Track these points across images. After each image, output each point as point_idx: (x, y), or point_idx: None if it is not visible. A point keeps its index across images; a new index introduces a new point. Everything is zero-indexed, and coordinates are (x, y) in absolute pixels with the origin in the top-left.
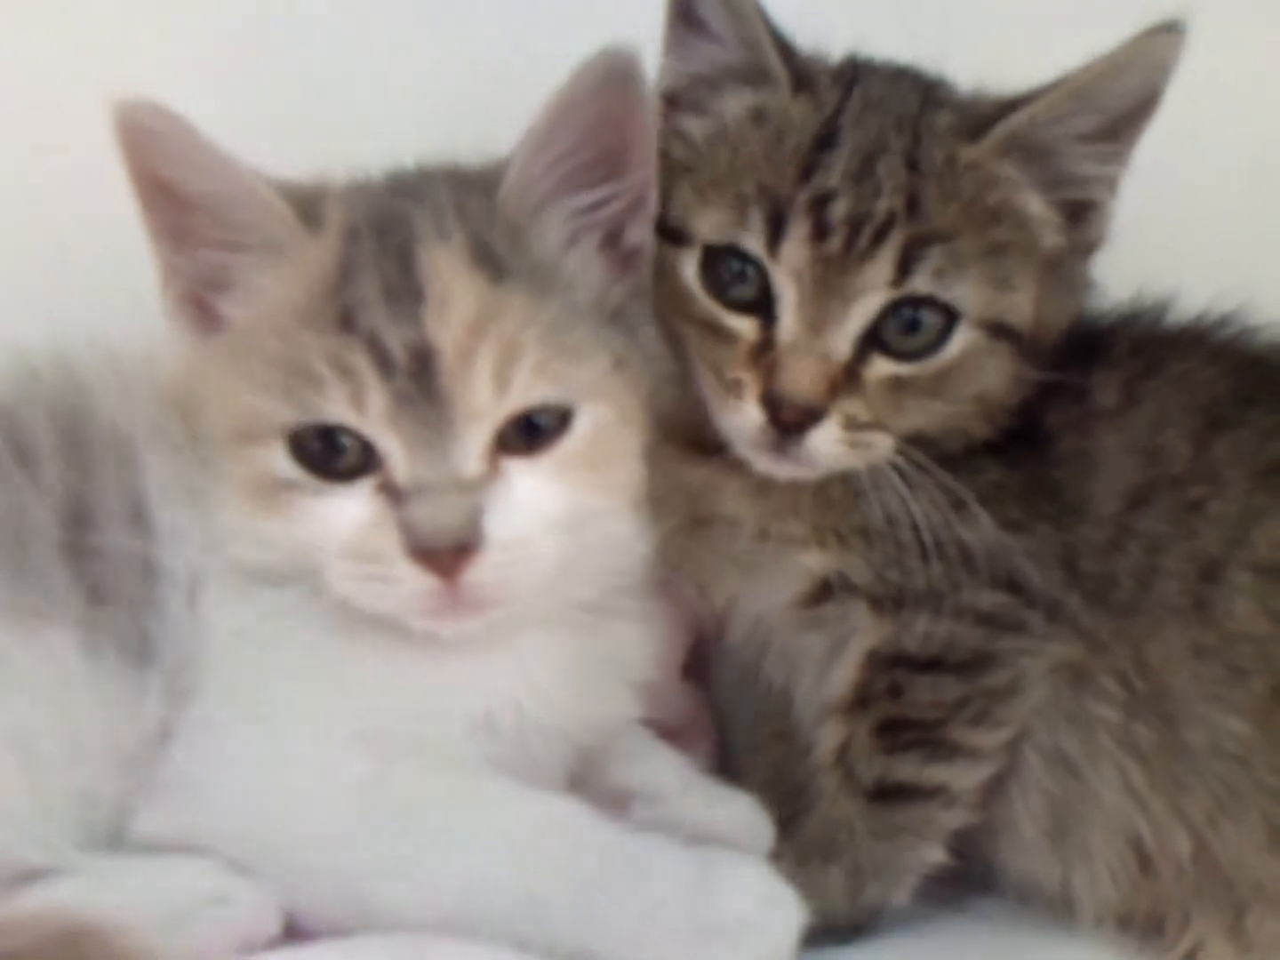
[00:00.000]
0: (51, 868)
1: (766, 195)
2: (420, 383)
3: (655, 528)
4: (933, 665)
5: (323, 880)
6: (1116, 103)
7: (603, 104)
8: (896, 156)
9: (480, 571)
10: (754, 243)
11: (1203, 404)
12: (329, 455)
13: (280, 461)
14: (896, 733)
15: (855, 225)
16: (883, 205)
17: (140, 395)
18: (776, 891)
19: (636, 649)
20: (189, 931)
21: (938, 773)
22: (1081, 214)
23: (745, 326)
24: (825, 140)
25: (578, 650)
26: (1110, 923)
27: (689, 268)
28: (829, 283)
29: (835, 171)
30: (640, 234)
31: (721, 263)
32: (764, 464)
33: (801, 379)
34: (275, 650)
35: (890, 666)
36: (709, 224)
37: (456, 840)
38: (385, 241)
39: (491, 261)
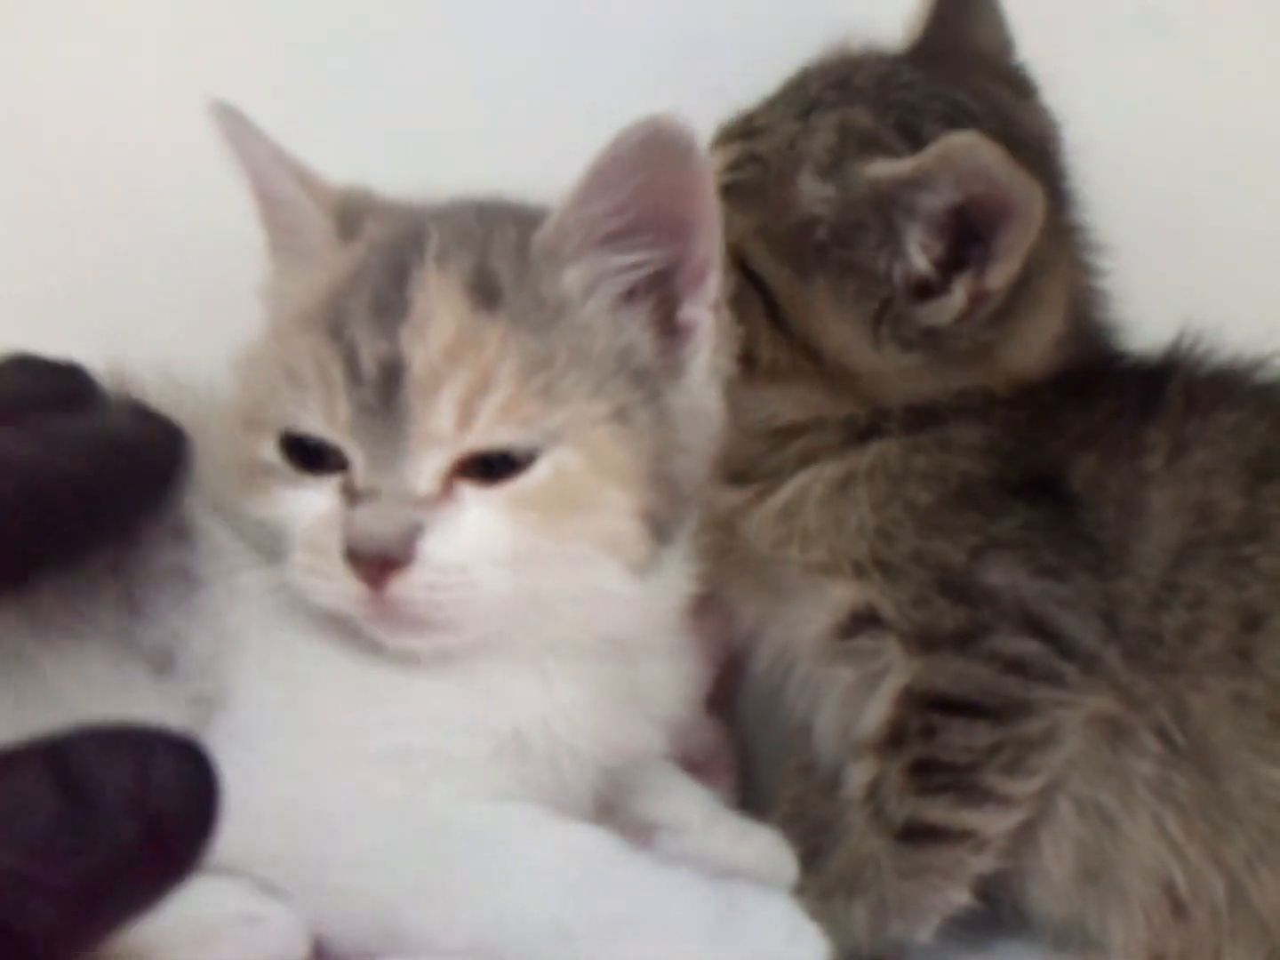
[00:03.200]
0: None
1: None
2: (383, 396)
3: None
4: (966, 708)
5: (351, 901)
6: (944, 194)
7: (655, 172)
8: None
9: (407, 588)
10: None
11: (1253, 456)
12: (309, 452)
13: (269, 450)
14: (929, 774)
15: None
16: None
17: (199, 418)
18: (801, 929)
19: (664, 685)
20: (216, 952)
21: (968, 817)
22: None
23: None
24: None
25: (604, 679)
26: None
27: None
28: None
29: None
30: (694, 312)
31: None
32: None
33: None
34: (304, 662)
35: (924, 706)
36: None
37: (485, 865)
38: (393, 257)
39: (487, 290)
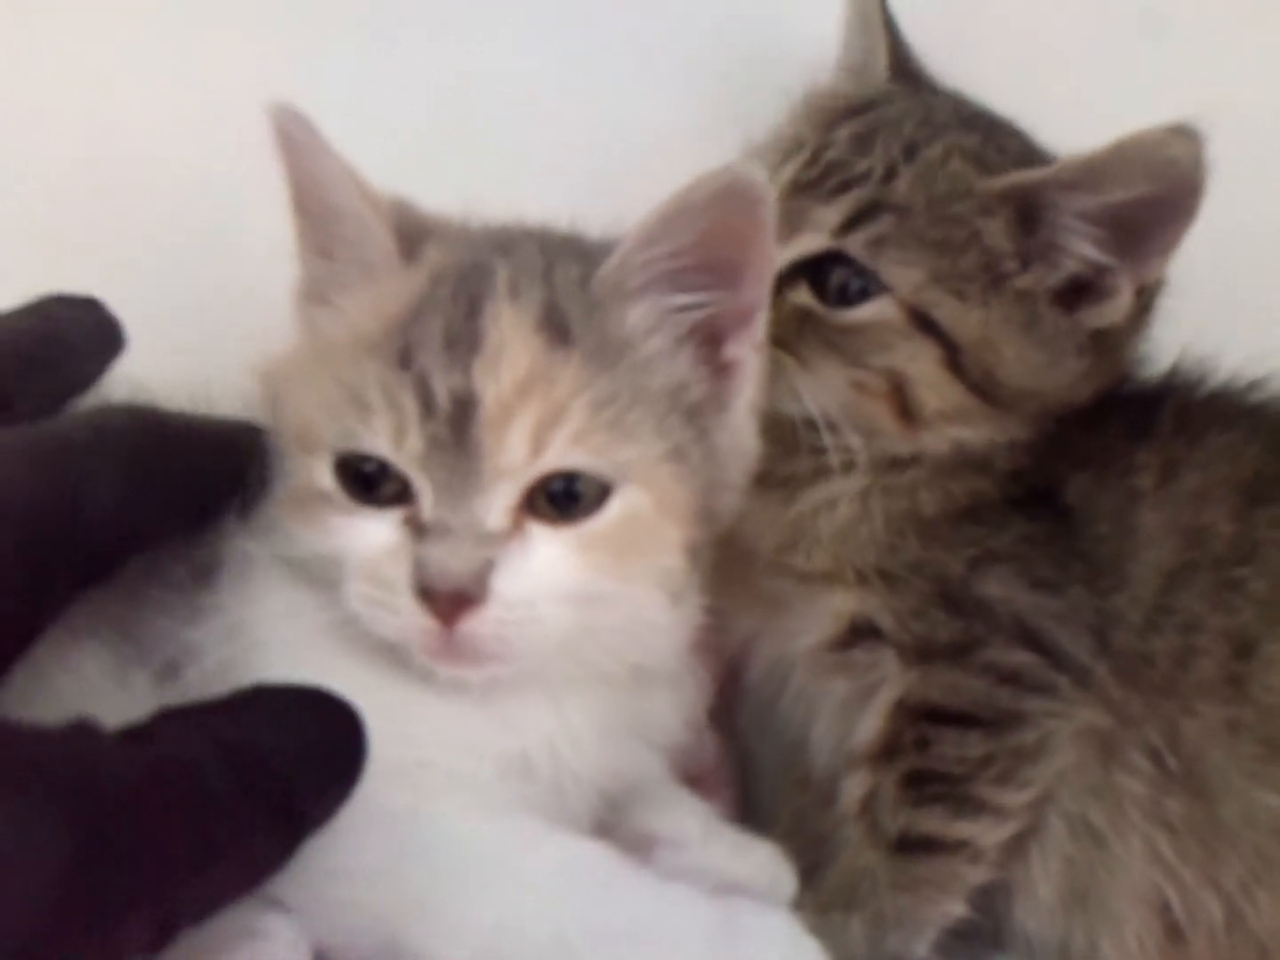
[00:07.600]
0: None
1: None
2: (456, 430)
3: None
4: (959, 720)
5: (354, 913)
6: (1114, 192)
7: (722, 219)
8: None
9: (479, 624)
10: None
11: (1245, 479)
12: (369, 482)
13: (324, 476)
14: (922, 786)
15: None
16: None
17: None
18: (800, 943)
19: (669, 713)
20: None
21: (963, 828)
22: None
23: None
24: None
25: (614, 707)
26: None
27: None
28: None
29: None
30: (740, 351)
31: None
32: None
33: None
34: (317, 674)
35: (918, 718)
36: None
37: (487, 878)
38: (463, 288)
39: (558, 326)
